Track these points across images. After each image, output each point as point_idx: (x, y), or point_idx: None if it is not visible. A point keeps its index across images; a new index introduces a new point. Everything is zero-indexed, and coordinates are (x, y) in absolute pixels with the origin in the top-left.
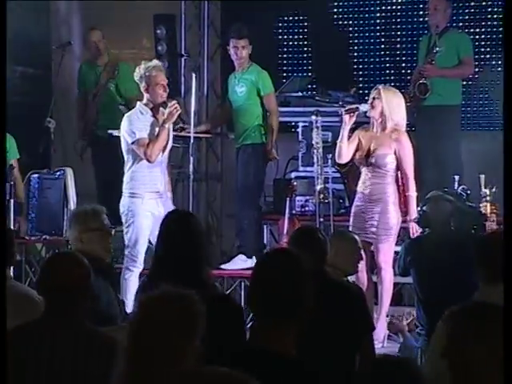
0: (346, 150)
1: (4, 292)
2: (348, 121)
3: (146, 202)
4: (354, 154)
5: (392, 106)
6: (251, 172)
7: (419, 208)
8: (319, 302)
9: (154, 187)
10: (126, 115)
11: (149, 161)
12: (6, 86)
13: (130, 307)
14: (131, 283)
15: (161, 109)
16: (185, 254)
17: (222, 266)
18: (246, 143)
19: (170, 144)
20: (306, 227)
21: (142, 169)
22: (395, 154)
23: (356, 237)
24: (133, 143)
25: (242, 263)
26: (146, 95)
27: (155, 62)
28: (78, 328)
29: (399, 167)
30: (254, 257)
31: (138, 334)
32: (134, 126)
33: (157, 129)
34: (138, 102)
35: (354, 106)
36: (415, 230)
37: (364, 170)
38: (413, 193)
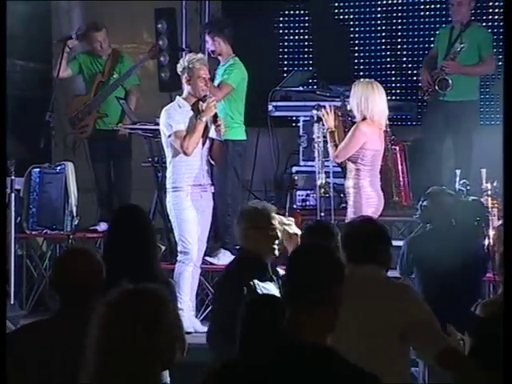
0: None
1: (4, 289)
2: (329, 124)
3: (190, 195)
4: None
5: (362, 100)
6: (230, 169)
7: (420, 203)
8: None
9: (196, 180)
10: (164, 109)
11: (185, 153)
12: (5, 86)
13: (183, 302)
14: (185, 278)
15: (200, 102)
16: (134, 248)
17: (207, 259)
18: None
19: (210, 137)
20: (319, 221)
21: (182, 162)
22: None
23: None
24: (170, 136)
25: (226, 259)
26: (186, 88)
27: (200, 54)
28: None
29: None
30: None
31: (105, 334)
32: (171, 118)
33: (193, 124)
34: (177, 96)
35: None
36: None
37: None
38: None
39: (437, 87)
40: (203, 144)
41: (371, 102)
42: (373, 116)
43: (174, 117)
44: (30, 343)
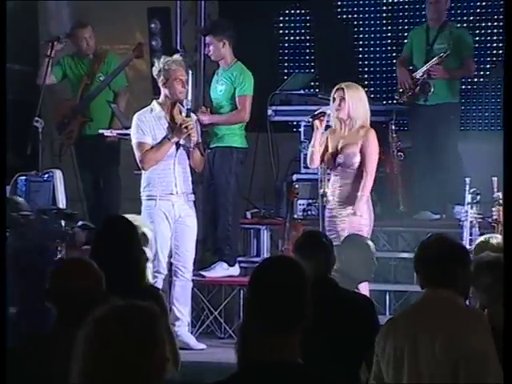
0: (317, 155)
1: (4, 290)
2: (319, 125)
3: (160, 204)
4: (323, 156)
5: (356, 104)
6: (233, 177)
7: None
8: (323, 310)
9: (167, 188)
10: (135, 114)
11: (142, 168)
12: (5, 87)
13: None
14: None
15: (177, 105)
16: (119, 261)
17: (202, 273)
18: (223, 145)
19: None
20: (310, 232)
21: (154, 170)
22: (360, 151)
23: (369, 242)
24: (134, 145)
25: (223, 271)
26: (163, 91)
27: (176, 55)
28: None
29: (362, 165)
30: (236, 265)
31: (93, 351)
32: (139, 127)
33: (163, 131)
34: (153, 100)
35: (320, 111)
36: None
37: (333, 172)
38: (366, 192)
39: (419, 91)
40: (176, 150)
41: (366, 105)
42: (367, 119)
43: (141, 125)
44: (30, 359)
